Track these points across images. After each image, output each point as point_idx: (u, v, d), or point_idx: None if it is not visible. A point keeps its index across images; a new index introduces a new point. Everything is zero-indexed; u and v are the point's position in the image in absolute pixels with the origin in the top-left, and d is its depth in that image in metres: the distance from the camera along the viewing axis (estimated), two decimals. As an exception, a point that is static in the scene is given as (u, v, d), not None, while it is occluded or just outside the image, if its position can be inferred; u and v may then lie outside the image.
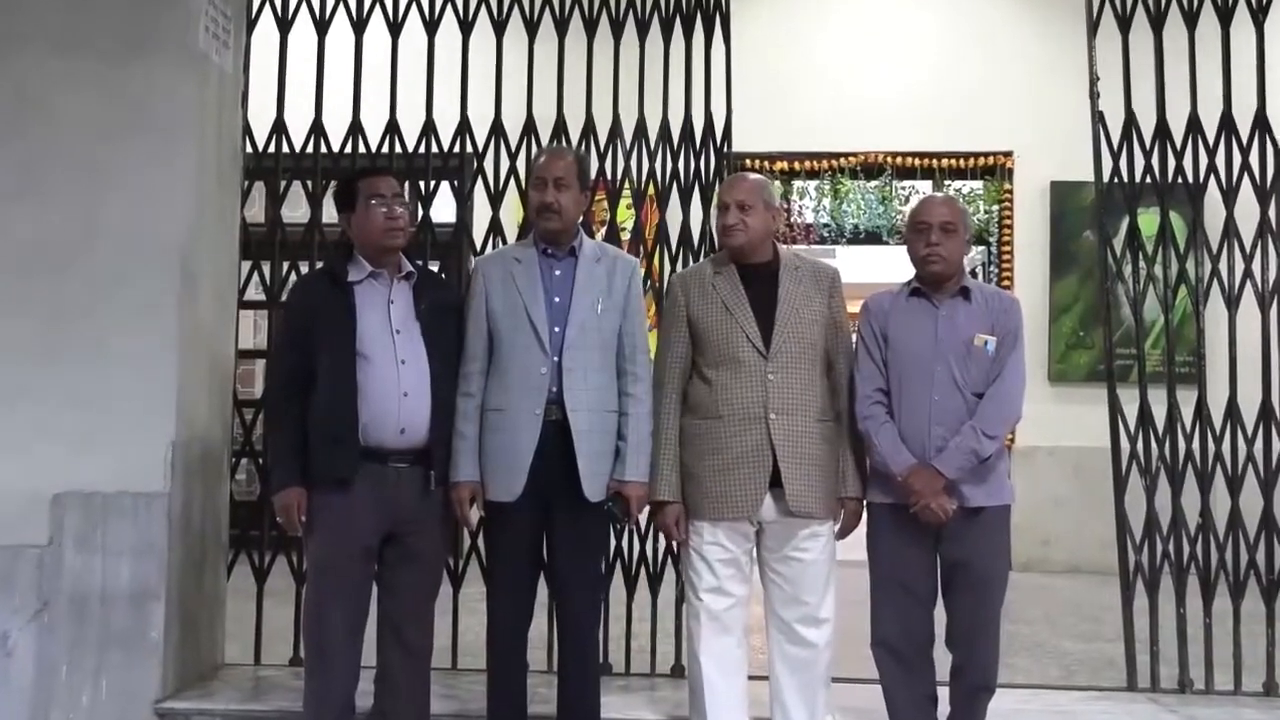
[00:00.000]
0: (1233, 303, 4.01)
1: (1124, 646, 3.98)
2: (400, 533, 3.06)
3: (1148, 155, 4.07)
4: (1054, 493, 6.84)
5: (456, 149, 4.24)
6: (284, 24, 4.26)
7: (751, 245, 3.11)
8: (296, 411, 3.03)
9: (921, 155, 7.15)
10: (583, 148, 4.20)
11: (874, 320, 3.16)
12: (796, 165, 7.21)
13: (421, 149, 4.23)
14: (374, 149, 4.20)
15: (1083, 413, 6.27)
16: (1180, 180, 4.07)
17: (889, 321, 3.13)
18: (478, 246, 4.17)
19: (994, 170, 7.20)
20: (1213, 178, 4.05)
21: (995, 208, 7.19)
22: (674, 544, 3.24)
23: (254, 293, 4.35)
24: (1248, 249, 4.02)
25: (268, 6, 4.25)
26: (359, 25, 4.27)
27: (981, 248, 7.24)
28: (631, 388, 3.12)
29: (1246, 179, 4.04)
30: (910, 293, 3.16)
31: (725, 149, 4.23)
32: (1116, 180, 4.08)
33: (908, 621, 3.08)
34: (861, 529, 3.17)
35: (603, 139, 4.23)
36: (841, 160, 7.19)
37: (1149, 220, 4.12)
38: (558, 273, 3.13)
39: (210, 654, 3.93)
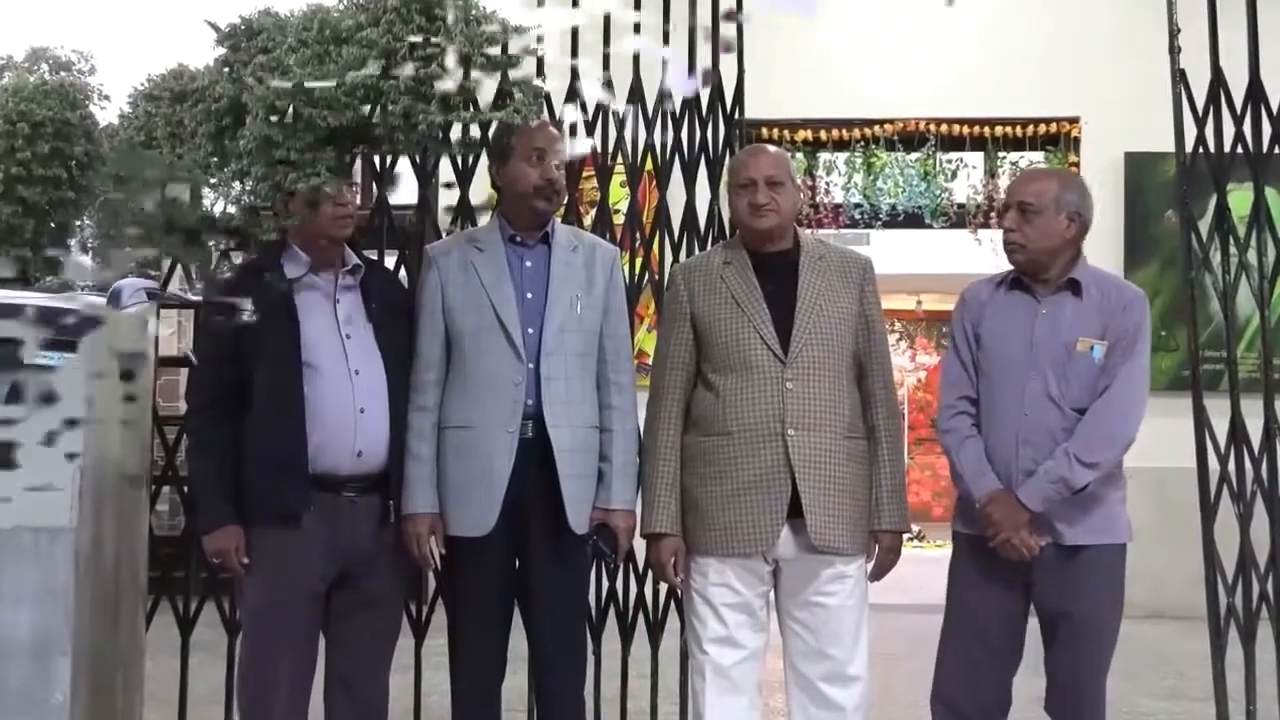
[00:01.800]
0: (1341, 296, 3.99)
1: (1214, 706, 3.95)
2: (352, 574, 3.04)
3: (1238, 121, 4.04)
4: (1132, 522, 6.77)
5: (417, 117, 4.22)
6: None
7: (782, 229, 3.12)
8: (227, 434, 3.01)
9: (971, 122, 7.15)
10: (568, 115, 4.19)
11: (967, 315, 3.14)
12: (823, 134, 7.22)
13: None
14: (319, 117, 4.18)
15: (1164, 427, 6.17)
16: (1278, 150, 4.05)
17: (983, 317, 3.10)
18: (442, 232, 4.15)
19: (1058, 140, 7.20)
20: (1316, 147, 4.03)
21: (1059, 184, 7.18)
22: (675, 586, 3.22)
23: (177, 286, 4.32)
24: (1359, 232, 4.00)
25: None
26: (297, -31, 4.27)
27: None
28: (614, 399, 3.11)
29: (1357, 148, 4.02)
30: (1011, 283, 3.12)
31: (737, 116, 4.22)
32: (1202, 151, 4.06)
33: (976, 680, 3.04)
34: (901, 568, 3.14)
35: (590, 105, 4.21)
36: (876, 128, 7.18)
37: (1241, 198, 4.09)
38: (528, 264, 3.11)
39: (126, 719, 3.90)
